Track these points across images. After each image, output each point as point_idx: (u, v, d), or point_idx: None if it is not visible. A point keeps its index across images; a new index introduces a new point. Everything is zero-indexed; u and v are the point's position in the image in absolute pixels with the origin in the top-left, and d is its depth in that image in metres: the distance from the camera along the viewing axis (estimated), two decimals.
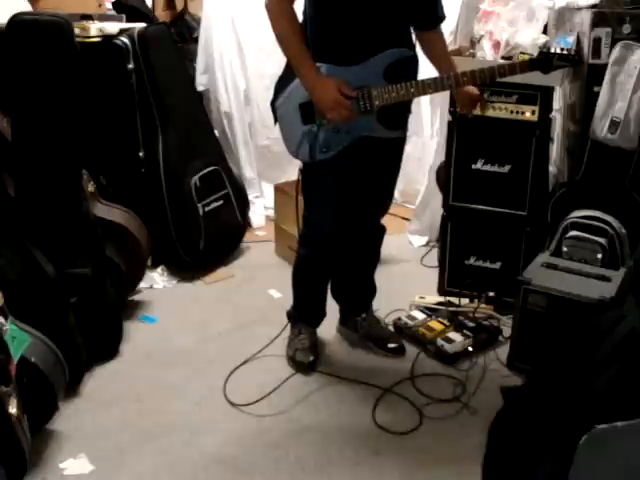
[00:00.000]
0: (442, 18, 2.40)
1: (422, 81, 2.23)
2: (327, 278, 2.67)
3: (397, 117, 2.34)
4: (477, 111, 2.51)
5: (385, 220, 2.69)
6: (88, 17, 3.22)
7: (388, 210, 2.69)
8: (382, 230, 2.72)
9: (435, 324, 2.79)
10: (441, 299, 3.02)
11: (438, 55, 2.42)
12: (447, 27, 3.28)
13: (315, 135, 2.25)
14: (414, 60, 2.33)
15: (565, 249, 2.65)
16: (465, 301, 2.97)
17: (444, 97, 3.11)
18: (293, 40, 2.17)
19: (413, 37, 2.35)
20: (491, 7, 2.83)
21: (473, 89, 2.40)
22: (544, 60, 2.28)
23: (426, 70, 2.45)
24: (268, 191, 4.04)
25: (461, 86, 2.33)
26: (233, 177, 3.62)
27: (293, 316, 2.70)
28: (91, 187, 2.80)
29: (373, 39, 2.19)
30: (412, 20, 2.31)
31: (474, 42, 2.91)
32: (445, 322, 2.80)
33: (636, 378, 1.46)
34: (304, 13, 2.26)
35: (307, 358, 2.59)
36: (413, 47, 2.32)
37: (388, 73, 2.21)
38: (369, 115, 2.24)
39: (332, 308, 2.76)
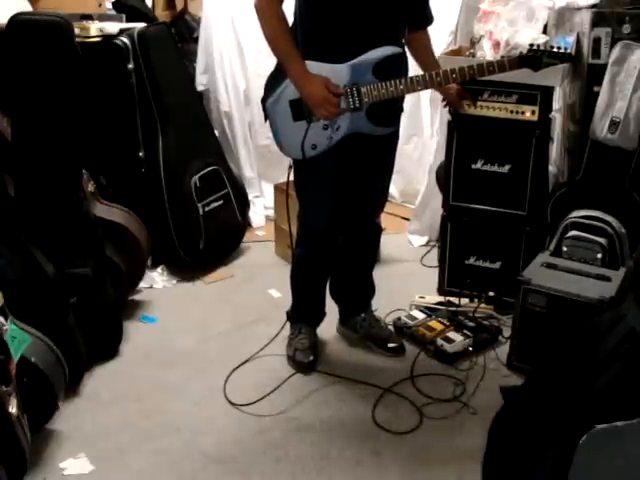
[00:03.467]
0: (431, 20, 2.45)
1: (411, 78, 2.27)
2: (325, 278, 2.67)
3: (387, 114, 2.36)
4: (468, 106, 2.57)
5: (385, 220, 2.69)
6: (88, 17, 3.22)
7: (383, 208, 2.71)
8: (379, 229, 2.73)
9: (435, 324, 2.78)
10: (441, 299, 3.02)
11: (423, 55, 2.48)
12: (447, 27, 3.31)
13: (305, 132, 2.28)
14: (403, 58, 2.36)
15: (565, 249, 2.65)
16: (465, 301, 2.97)
17: None
18: (282, 39, 2.20)
19: (402, 36, 2.37)
20: (491, 7, 2.82)
21: (453, 85, 2.48)
22: (533, 57, 2.29)
23: (416, 67, 2.49)
24: (268, 191, 4.04)
25: (450, 83, 2.36)
26: (233, 177, 3.62)
27: (293, 316, 2.70)
28: (91, 187, 2.80)
29: (363, 37, 2.22)
30: (403, 20, 2.33)
31: (474, 42, 2.90)
32: (445, 322, 2.79)
33: (636, 378, 1.46)
34: (295, 13, 2.28)
35: (307, 358, 2.59)
36: (402, 45, 2.35)
37: (377, 70, 2.23)
38: (359, 112, 2.26)
39: (332, 308, 2.76)
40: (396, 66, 2.30)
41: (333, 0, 2.18)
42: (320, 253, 2.56)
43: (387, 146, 2.48)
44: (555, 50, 2.29)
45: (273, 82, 2.31)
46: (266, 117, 2.36)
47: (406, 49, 2.38)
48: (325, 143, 2.30)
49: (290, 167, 2.43)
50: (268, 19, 2.19)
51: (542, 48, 2.31)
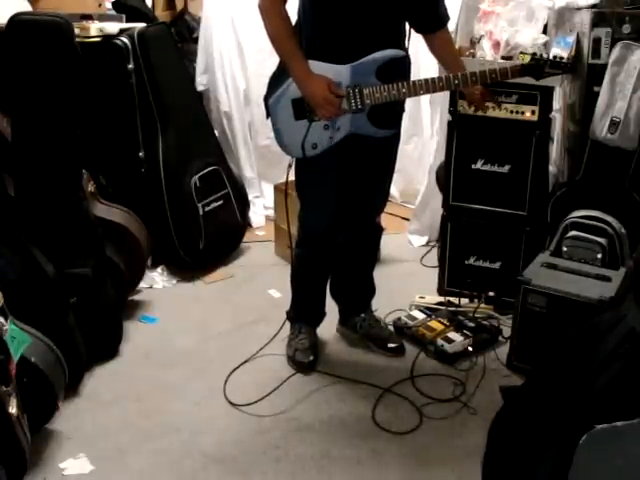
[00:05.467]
0: (445, 19, 2.41)
1: (414, 82, 2.26)
2: (325, 278, 2.67)
3: (389, 116, 2.37)
4: (492, 108, 2.59)
5: (385, 220, 2.69)
6: (88, 17, 3.22)
7: (384, 209, 2.71)
8: (379, 229, 2.73)
9: (435, 324, 2.78)
10: (441, 299, 3.02)
11: (442, 56, 2.46)
12: (447, 27, 3.30)
13: (306, 131, 2.28)
14: (406, 61, 2.36)
15: (565, 249, 2.65)
16: (465, 301, 2.97)
17: (444, 97, 3.11)
18: (285, 38, 2.20)
19: (405, 39, 2.37)
20: (491, 7, 2.83)
21: (478, 87, 2.39)
22: (535, 66, 2.29)
23: (417, 71, 2.49)
24: (268, 191, 4.04)
25: (452, 89, 2.36)
26: (233, 177, 3.62)
27: (292, 316, 2.70)
28: (91, 187, 2.80)
29: (366, 39, 2.22)
30: (412, 23, 2.34)
31: (474, 42, 2.91)
32: (445, 322, 2.79)
33: (636, 378, 1.46)
34: (298, 13, 2.29)
35: (307, 358, 2.59)
36: (405, 48, 2.35)
37: (380, 73, 2.24)
38: (360, 113, 2.27)
39: (332, 308, 2.76)
40: (399, 69, 2.30)
41: (337, 1, 2.19)
42: (320, 253, 2.56)
43: (388, 147, 2.49)
44: (557, 60, 2.29)
45: (276, 80, 2.32)
46: (268, 115, 2.37)
47: (409, 52, 2.38)
48: (326, 143, 2.31)
49: (289, 166, 2.44)
50: (272, 18, 2.19)
51: (545, 57, 2.31)
